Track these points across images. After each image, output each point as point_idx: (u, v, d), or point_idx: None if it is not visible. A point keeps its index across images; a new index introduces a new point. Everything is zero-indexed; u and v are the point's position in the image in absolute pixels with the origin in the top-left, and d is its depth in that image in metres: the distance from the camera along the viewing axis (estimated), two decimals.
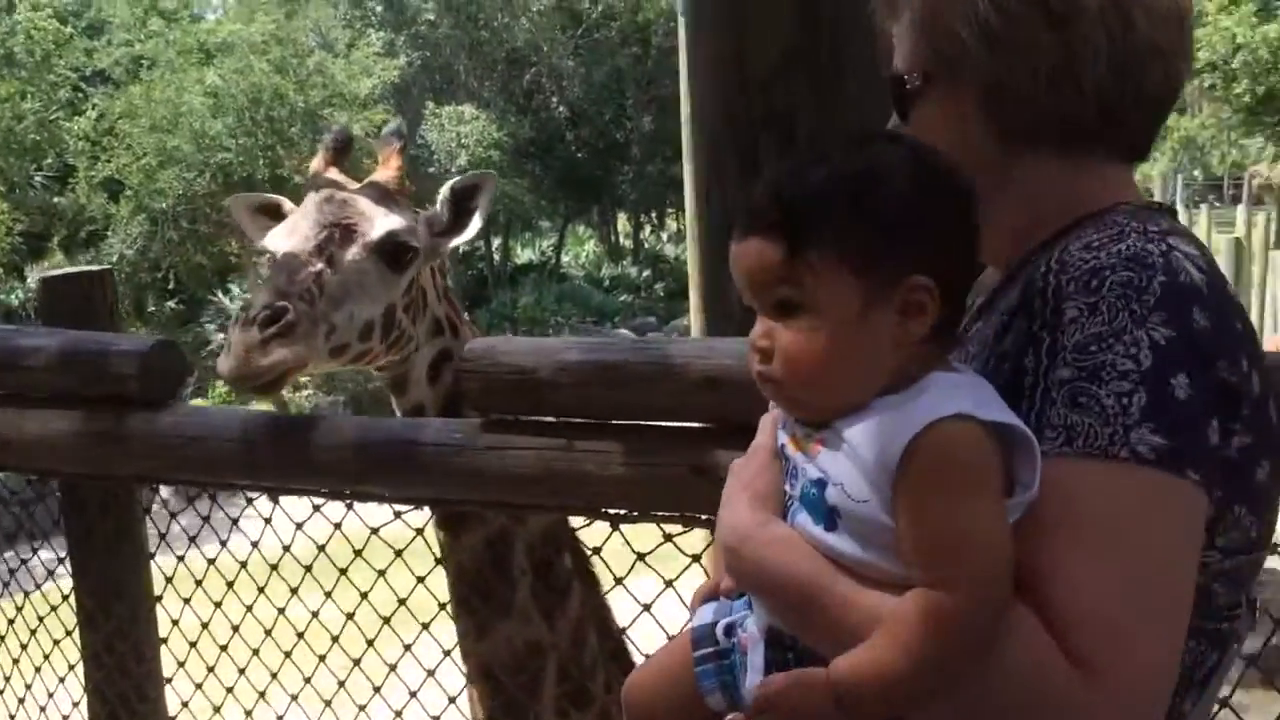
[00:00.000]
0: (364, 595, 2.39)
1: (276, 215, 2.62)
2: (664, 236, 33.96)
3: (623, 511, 2.02)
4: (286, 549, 2.47)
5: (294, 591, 2.47)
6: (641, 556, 2.01)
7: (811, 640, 1.15)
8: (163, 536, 2.84)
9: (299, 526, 2.48)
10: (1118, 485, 1.08)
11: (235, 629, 2.63)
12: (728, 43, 1.87)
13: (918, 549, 1.07)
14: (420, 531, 2.36)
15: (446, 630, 2.41)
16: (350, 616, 2.41)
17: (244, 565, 2.58)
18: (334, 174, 2.53)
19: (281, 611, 2.54)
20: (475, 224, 2.52)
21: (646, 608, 2.02)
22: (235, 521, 2.66)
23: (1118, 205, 1.23)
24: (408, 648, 2.36)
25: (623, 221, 34.21)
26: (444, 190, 2.52)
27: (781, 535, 1.17)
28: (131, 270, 21.20)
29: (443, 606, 2.42)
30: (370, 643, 2.39)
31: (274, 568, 2.48)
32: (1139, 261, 1.12)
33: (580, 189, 30.53)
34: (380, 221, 2.40)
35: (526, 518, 2.38)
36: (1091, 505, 1.08)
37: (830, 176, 1.13)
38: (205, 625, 2.66)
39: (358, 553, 2.42)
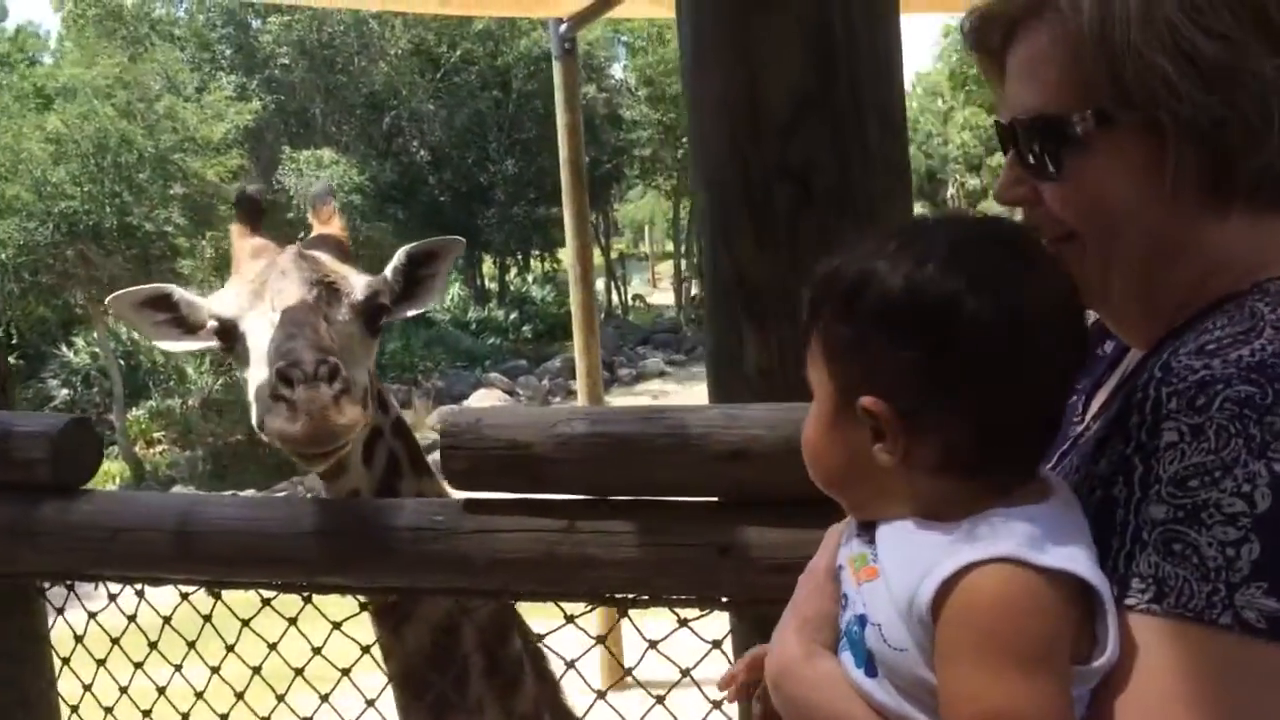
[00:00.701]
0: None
1: (164, 306, 2.38)
2: (529, 279, 33.77)
3: (631, 596, 1.85)
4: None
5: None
6: (654, 644, 1.84)
7: None
8: (79, 639, 2.51)
9: (92, 616, 2.23)
10: (1215, 658, 0.89)
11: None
12: (737, 85, 1.75)
13: (949, 717, 0.93)
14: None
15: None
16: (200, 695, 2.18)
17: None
18: (261, 239, 2.32)
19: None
20: (435, 292, 2.33)
21: (660, 700, 1.84)
22: (93, 616, 2.32)
23: (1268, 282, 1.02)
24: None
25: (488, 264, 33.87)
26: (399, 255, 2.33)
27: (823, 674, 1.05)
28: None
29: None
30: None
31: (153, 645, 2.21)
32: (1265, 371, 0.92)
33: (444, 232, 29.70)
34: (357, 281, 2.21)
35: (474, 604, 2.18)
36: (1179, 680, 0.90)
37: (841, 266, 1.06)
38: None
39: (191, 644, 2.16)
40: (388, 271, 2.34)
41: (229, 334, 2.19)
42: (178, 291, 2.36)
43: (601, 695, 1.89)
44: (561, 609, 1.93)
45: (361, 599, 2.17)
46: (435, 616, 2.20)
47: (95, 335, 20.55)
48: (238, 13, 29.44)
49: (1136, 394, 0.97)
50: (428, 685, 2.18)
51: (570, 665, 1.93)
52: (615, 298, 34.35)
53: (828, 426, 1.07)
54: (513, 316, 29.49)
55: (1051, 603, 0.91)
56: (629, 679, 2.06)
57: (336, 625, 2.07)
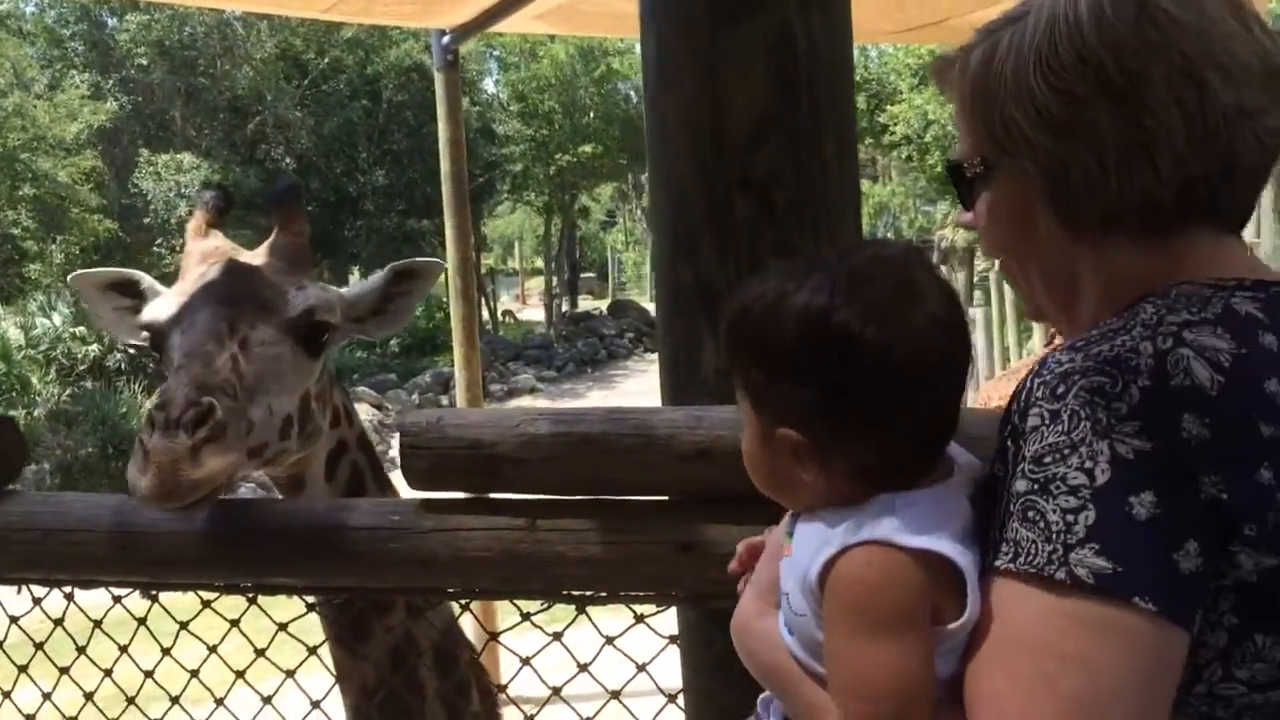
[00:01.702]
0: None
1: (131, 292, 2.31)
2: None
3: (589, 593, 1.89)
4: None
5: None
6: (610, 640, 1.89)
7: None
8: None
9: (14, 620, 2.16)
10: (1051, 608, 1.01)
11: None
12: (701, 103, 1.82)
13: (829, 680, 1.11)
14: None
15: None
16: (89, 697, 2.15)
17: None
18: (217, 239, 2.23)
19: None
20: (407, 312, 2.27)
21: (615, 695, 1.89)
22: (15, 620, 2.21)
23: (1171, 287, 1.14)
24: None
25: (355, 276, 33.22)
26: (384, 272, 2.28)
27: (765, 630, 1.23)
28: None
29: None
30: None
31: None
32: (1119, 364, 1.04)
33: (310, 243, 29.33)
34: (295, 296, 2.10)
35: (427, 618, 2.19)
36: (1023, 628, 1.02)
37: (748, 303, 1.17)
38: None
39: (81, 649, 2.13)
40: (360, 286, 2.29)
41: (159, 346, 2.11)
42: (145, 279, 2.29)
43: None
44: (518, 607, 1.96)
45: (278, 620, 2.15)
46: (391, 640, 2.18)
47: None
48: (92, 9, 28.22)
49: (1019, 387, 1.12)
50: (389, 706, 2.16)
51: (526, 662, 1.96)
52: (485, 313, 34.12)
53: (758, 446, 1.20)
54: None
55: (908, 577, 1.06)
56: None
57: (282, 626, 2.06)
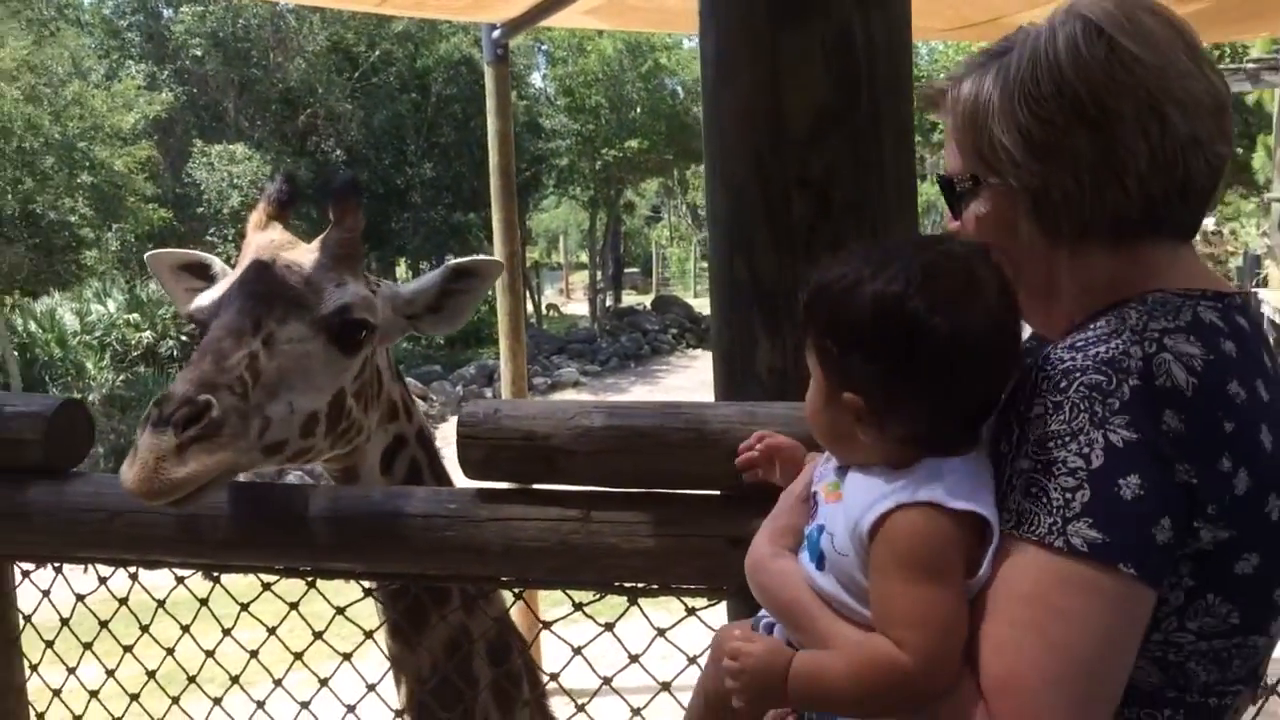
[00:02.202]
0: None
1: (202, 274, 2.35)
2: None
3: (641, 585, 1.92)
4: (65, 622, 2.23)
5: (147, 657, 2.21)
6: (662, 632, 1.91)
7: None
8: (27, 619, 2.48)
9: (80, 599, 2.23)
10: (1048, 570, 1.19)
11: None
12: (759, 102, 1.84)
13: (878, 614, 1.26)
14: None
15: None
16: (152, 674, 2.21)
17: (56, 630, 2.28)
18: (276, 231, 2.21)
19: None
20: (465, 310, 2.25)
21: (665, 686, 1.91)
22: (81, 599, 2.29)
23: (1147, 294, 1.30)
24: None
25: (402, 269, 33.53)
26: (442, 269, 2.26)
27: (784, 568, 1.38)
28: None
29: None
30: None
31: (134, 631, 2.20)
32: (1114, 365, 1.21)
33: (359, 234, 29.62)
34: (331, 294, 2.08)
35: (481, 608, 2.21)
36: (1024, 585, 1.21)
37: (829, 282, 1.32)
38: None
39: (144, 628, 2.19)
40: (418, 283, 2.28)
41: (203, 336, 2.09)
42: (217, 264, 2.31)
43: (607, 681, 1.96)
44: (570, 597, 1.99)
45: (336, 604, 2.19)
46: (446, 632, 2.20)
47: None
48: (148, 0, 28.69)
49: (1024, 377, 1.28)
50: (444, 696, 2.18)
51: (578, 652, 1.99)
52: (529, 307, 34.26)
53: (822, 404, 1.36)
54: None
55: (954, 535, 1.23)
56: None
57: (340, 610, 2.10)
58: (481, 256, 2.32)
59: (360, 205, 2.24)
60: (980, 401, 1.30)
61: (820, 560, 1.33)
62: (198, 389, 1.86)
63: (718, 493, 1.83)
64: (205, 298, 2.12)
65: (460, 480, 2.09)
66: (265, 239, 2.19)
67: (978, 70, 1.37)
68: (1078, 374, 1.21)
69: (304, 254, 2.16)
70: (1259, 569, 1.23)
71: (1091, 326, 1.28)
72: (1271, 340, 1.35)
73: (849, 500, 1.32)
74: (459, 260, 2.29)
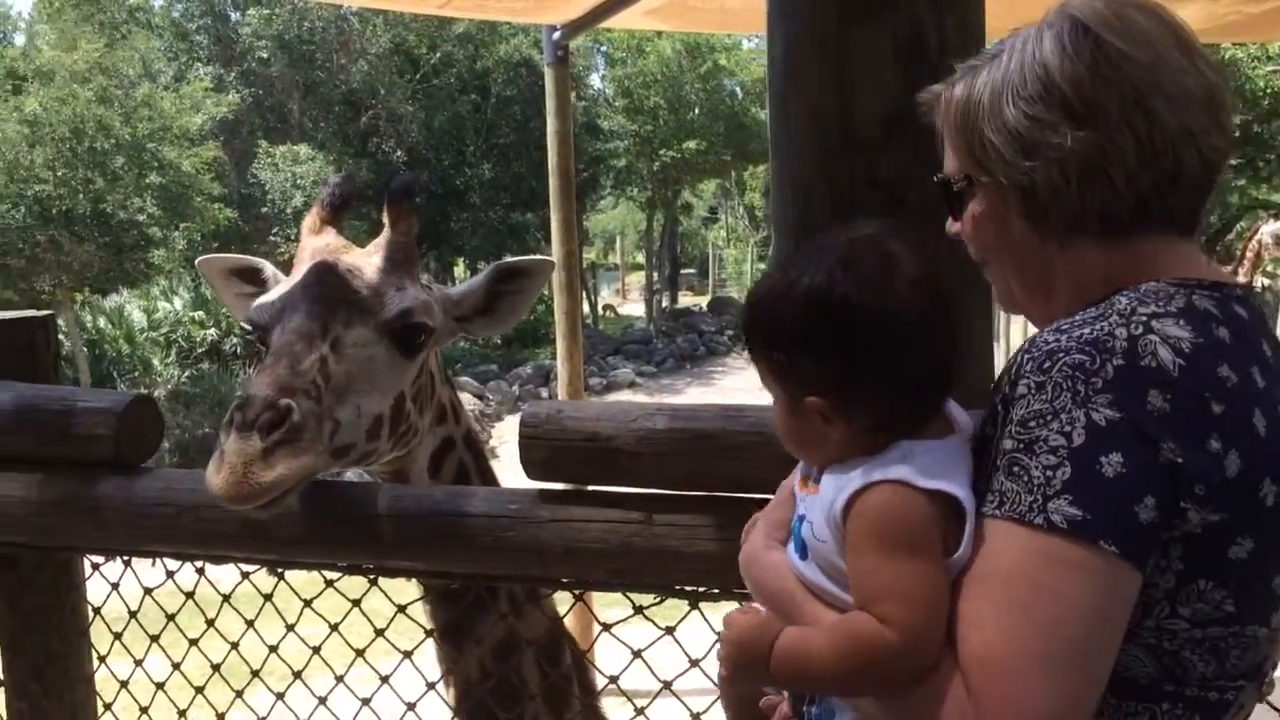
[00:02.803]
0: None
1: (253, 279, 2.36)
2: None
3: (702, 589, 1.90)
4: (134, 615, 2.26)
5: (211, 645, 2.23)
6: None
7: None
8: (97, 611, 2.52)
9: (148, 592, 2.27)
10: (1028, 548, 1.19)
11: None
12: (829, 102, 1.81)
13: (858, 592, 1.27)
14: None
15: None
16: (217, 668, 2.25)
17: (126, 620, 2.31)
18: (330, 235, 2.22)
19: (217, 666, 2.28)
20: (518, 311, 2.24)
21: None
22: (149, 592, 2.33)
23: (1140, 284, 1.30)
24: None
25: (460, 268, 33.81)
26: (490, 270, 2.26)
27: (773, 560, 1.41)
28: None
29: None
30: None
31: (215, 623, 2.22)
32: (1097, 345, 1.21)
33: (418, 235, 29.92)
34: (392, 298, 2.09)
35: (530, 612, 2.20)
36: (1004, 562, 1.21)
37: (759, 298, 1.37)
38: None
39: (210, 622, 2.21)
40: (466, 285, 2.27)
41: (262, 341, 2.12)
42: (268, 269, 2.33)
43: (667, 685, 1.94)
44: (631, 600, 1.98)
45: (397, 603, 2.20)
46: (497, 635, 2.19)
47: (62, 323, 20.26)
48: (216, 3, 29.23)
49: (1011, 360, 1.29)
50: (496, 698, 2.18)
51: (637, 655, 1.98)
52: (585, 307, 34.37)
53: (788, 416, 1.38)
54: None
55: (926, 511, 1.24)
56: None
57: (401, 608, 2.12)
58: (530, 257, 2.30)
59: (414, 209, 2.24)
60: (929, 371, 1.32)
61: (803, 549, 1.36)
62: (278, 393, 1.87)
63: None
64: (264, 303, 2.12)
65: (508, 483, 2.10)
66: (321, 243, 2.20)
67: (970, 73, 1.41)
68: (1061, 354, 1.22)
69: (363, 258, 2.17)
70: (1253, 554, 1.23)
71: (1081, 313, 1.29)
72: None
73: (825, 487, 1.34)
74: (507, 260, 2.28)
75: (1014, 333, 15.48)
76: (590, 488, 1.94)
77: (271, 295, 2.14)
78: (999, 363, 1.57)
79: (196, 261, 2.47)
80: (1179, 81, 1.30)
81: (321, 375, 1.95)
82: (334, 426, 1.96)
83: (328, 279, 2.09)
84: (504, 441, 19.53)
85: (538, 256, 2.30)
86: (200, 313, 22.44)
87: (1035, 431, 1.20)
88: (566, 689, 2.33)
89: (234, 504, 1.83)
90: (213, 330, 22.10)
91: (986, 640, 1.19)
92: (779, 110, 1.90)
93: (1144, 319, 1.24)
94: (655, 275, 35.73)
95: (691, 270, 47.13)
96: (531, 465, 1.93)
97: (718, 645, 1.37)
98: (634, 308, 38.70)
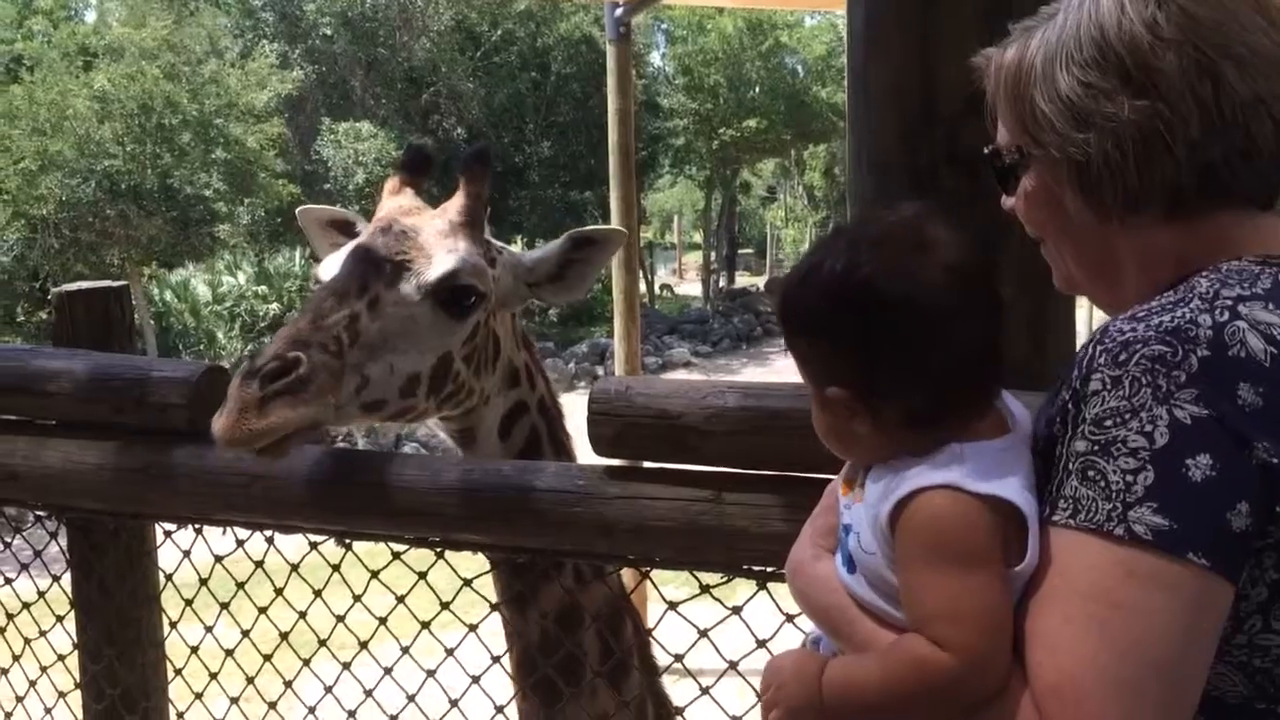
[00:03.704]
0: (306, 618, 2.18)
1: (348, 232, 2.40)
2: None
3: (770, 569, 1.88)
4: (204, 582, 2.29)
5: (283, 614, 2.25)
6: (791, 618, 1.87)
7: None
8: (168, 578, 2.56)
9: (219, 560, 2.29)
10: (1107, 561, 1.08)
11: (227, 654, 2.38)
12: (910, 75, 1.77)
13: (910, 610, 1.17)
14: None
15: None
16: (285, 636, 2.25)
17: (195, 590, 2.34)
18: (407, 197, 2.28)
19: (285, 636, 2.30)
20: (585, 279, 2.26)
21: None
22: (220, 560, 2.35)
23: (1221, 264, 1.19)
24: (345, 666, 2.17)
25: (518, 246, 33.98)
26: (565, 237, 2.28)
27: (821, 572, 1.32)
28: (7, 278, 20.02)
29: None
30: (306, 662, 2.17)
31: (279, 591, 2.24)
32: (1179, 334, 1.10)
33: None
34: (440, 259, 2.10)
35: (593, 583, 2.20)
36: (1080, 577, 1.10)
37: (788, 285, 1.29)
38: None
39: (279, 591, 2.23)
40: (541, 252, 2.29)
41: None
42: (361, 223, 2.36)
43: (733, 665, 1.93)
44: (697, 579, 1.96)
45: (464, 576, 2.21)
46: (557, 603, 2.20)
47: (131, 295, 20.68)
48: None
49: (1081, 352, 1.17)
50: (550, 669, 2.19)
51: (704, 634, 1.96)
52: (642, 286, 34.33)
53: (817, 408, 1.31)
54: None
55: (981, 519, 1.14)
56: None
57: (467, 582, 2.12)
58: (605, 226, 2.31)
59: (486, 174, 2.28)
60: (963, 364, 1.21)
61: (850, 563, 1.27)
62: (289, 346, 1.93)
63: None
64: (329, 262, 2.17)
65: (586, 453, 2.09)
66: (395, 204, 2.26)
67: (1024, 34, 1.30)
68: (1139, 345, 1.11)
69: (424, 219, 2.20)
70: None
71: (1158, 298, 1.18)
72: None
73: (870, 496, 1.24)
74: (582, 229, 2.30)
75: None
76: (659, 465, 1.92)
77: (336, 257, 2.17)
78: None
79: (297, 210, 2.52)
80: (1252, 42, 1.18)
81: (349, 332, 1.98)
82: (361, 381, 1.99)
83: (380, 239, 2.12)
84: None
85: (611, 226, 2.33)
86: (263, 287, 22.81)
87: (1112, 431, 1.10)
88: (627, 663, 2.33)
89: (227, 447, 1.89)
90: (275, 304, 22.45)
91: (1061, 665, 1.09)
92: (858, 84, 1.86)
93: (1229, 303, 1.13)
94: (713, 255, 35.62)
95: (749, 250, 46.93)
96: (599, 441, 1.91)
97: (764, 692, 1.28)
98: (691, 287, 38.64)
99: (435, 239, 2.15)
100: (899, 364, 1.20)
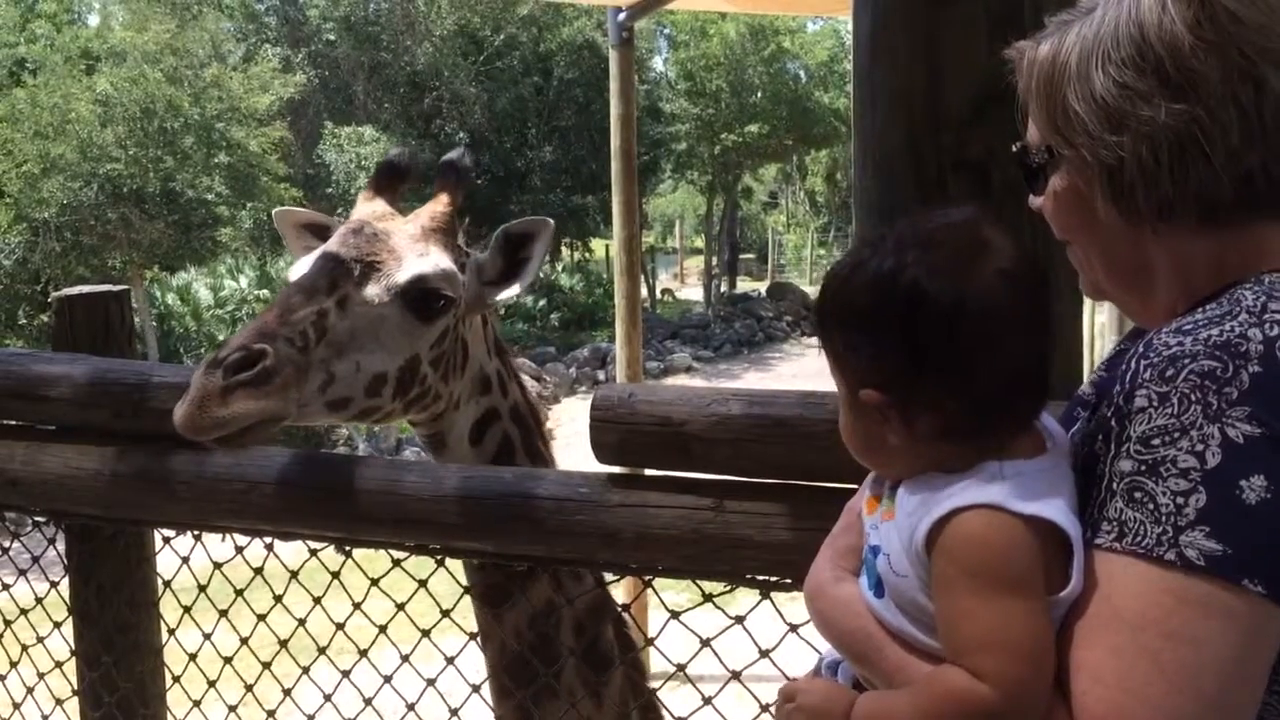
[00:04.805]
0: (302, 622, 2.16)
1: (323, 235, 2.39)
2: (559, 267, 33.80)
3: (774, 578, 1.86)
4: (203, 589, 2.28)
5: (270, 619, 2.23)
6: (794, 628, 1.85)
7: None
8: (167, 584, 2.55)
9: (218, 566, 2.27)
10: (1158, 588, 1.04)
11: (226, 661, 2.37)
12: (916, 80, 1.75)
13: (947, 639, 1.11)
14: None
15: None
16: (284, 644, 2.24)
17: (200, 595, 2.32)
18: (379, 204, 2.30)
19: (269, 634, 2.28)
20: (528, 275, 2.27)
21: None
22: (219, 566, 2.31)
23: (1264, 275, 1.15)
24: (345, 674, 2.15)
25: None
26: (497, 235, 2.29)
27: (845, 595, 1.25)
28: (9, 281, 20.00)
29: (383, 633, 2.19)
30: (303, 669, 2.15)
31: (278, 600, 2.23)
32: (1229, 349, 1.06)
33: (478, 216, 30.09)
34: (410, 263, 2.13)
35: (568, 583, 2.18)
36: (1129, 605, 1.05)
37: (829, 279, 1.24)
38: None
39: (278, 599, 2.22)
40: (484, 253, 2.29)
41: None
42: (335, 225, 2.37)
43: (735, 675, 1.91)
44: (700, 588, 1.95)
45: (464, 584, 2.20)
46: (537, 602, 2.19)
47: (132, 299, 20.66)
48: None
49: (1121, 366, 1.13)
50: (524, 670, 2.17)
51: (706, 644, 1.95)
52: (643, 291, 34.28)
53: (848, 413, 1.25)
54: (541, 303, 29.49)
55: (1025, 541, 1.08)
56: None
57: (468, 590, 2.10)
58: (529, 218, 2.32)
59: (459, 182, 2.30)
60: (1011, 376, 1.15)
61: (879, 586, 1.20)
62: (255, 338, 1.94)
63: (857, 486, 1.76)
64: (300, 264, 2.19)
65: (576, 466, 2.08)
66: (368, 210, 2.28)
67: (1060, 29, 1.25)
68: (1187, 360, 1.06)
69: (398, 224, 2.23)
70: None
71: (1200, 309, 1.14)
72: None
73: (901, 514, 1.18)
74: (509, 224, 2.30)
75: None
76: (662, 473, 1.90)
77: (308, 258, 2.19)
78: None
79: (274, 211, 2.54)
80: None
81: (316, 328, 2.00)
82: (327, 378, 2.01)
83: (352, 240, 2.15)
84: (560, 424, 19.60)
85: (535, 217, 2.32)
86: (265, 291, 22.76)
87: (1160, 451, 1.05)
88: (607, 662, 2.31)
89: (187, 434, 1.90)
90: None
91: (1110, 697, 1.04)
92: (864, 89, 1.85)
93: (1278, 317, 1.08)
94: (714, 260, 35.59)
95: (750, 255, 46.88)
96: (602, 448, 1.90)
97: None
98: (692, 292, 38.61)
99: (406, 243, 2.18)
100: (942, 371, 1.14)
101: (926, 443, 1.17)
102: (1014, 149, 1.34)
